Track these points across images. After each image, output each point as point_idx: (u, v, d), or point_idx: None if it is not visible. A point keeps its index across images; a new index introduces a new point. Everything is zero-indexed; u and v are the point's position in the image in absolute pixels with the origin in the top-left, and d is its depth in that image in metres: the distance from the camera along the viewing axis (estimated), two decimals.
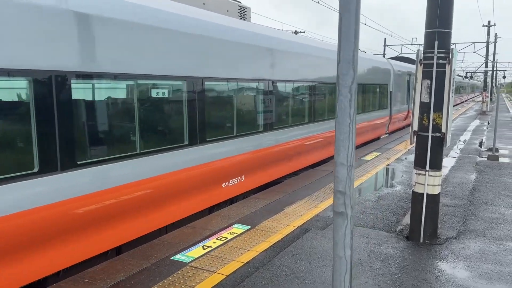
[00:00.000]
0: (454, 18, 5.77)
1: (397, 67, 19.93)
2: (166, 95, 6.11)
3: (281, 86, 9.26)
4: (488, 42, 33.72)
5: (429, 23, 5.72)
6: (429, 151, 5.82)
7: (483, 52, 35.28)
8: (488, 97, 33.71)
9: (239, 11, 8.66)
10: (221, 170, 7.31)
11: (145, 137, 5.72)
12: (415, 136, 6.03)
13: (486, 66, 34.34)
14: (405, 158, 12.46)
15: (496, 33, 43.57)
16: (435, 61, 5.66)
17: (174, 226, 6.73)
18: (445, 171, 10.78)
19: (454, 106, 45.06)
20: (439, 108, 5.74)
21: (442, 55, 5.65)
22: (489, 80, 45.56)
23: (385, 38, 46.05)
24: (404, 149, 14.30)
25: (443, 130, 5.77)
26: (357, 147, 15.34)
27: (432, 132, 5.79)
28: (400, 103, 20.73)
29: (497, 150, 13.63)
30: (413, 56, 48.29)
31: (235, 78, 7.68)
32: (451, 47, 5.67)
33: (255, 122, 8.34)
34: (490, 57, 43.05)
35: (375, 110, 16.54)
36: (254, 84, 8.33)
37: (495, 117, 12.91)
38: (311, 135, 10.79)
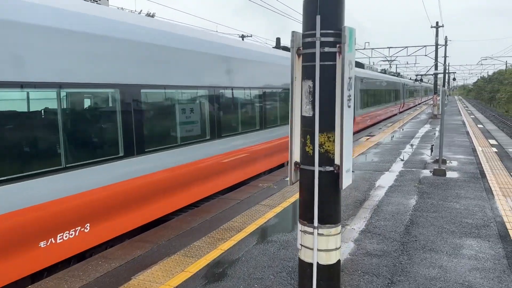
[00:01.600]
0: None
1: None
2: None
3: (155, 92, 6.89)
4: (437, 44, 32.81)
5: None
6: (317, 196, 3.59)
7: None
8: (439, 100, 32.76)
9: None
10: (30, 223, 4.83)
11: None
12: (297, 171, 3.79)
13: (436, 69, 33.44)
14: None
15: (446, 36, 43.29)
16: (317, 49, 3.44)
17: None
18: (380, 193, 8.73)
19: (407, 110, 44.20)
20: (328, 126, 3.53)
21: (330, 39, 3.45)
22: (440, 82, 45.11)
23: None
24: None
25: (337, 161, 3.55)
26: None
27: (319, 165, 3.56)
28: None
29: (444, 161, 11.82)
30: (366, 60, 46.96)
31: (82, 84, 5.28)
32: (344, 25, 3.48)
33: (107, 144, 5.91)
34: (442, 60, 42.63)
35: None
36: (111, 91, 5.96)
37: (441, 124, 11.09)
38: (215, 154, 8.46)
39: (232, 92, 9.13)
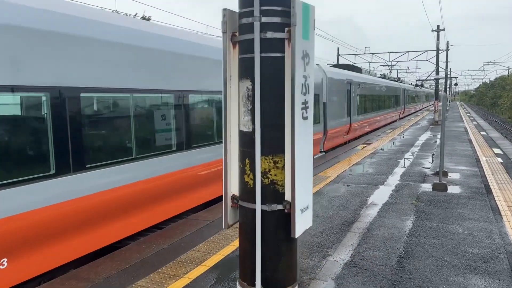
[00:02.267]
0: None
1: (332, 74, 17.04)
2: None
3: (99, 97, 5.84)
4: (438, 48, 31.76)
5: None
6: (259, 246, 2.50)
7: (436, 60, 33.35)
8: (440, 106, 31.65)
9: None
10: None
11: None
12: (236, 209, 2.71)
13: (437, 74, 32.37)
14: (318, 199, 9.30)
15: (447, 41, 42.30)
16: (257, 34, 2.37)
17: None
18: (372, 213, 7.63)
19: (407, 116, 43.01)
20: (275, 146, 2.45)
21: (276, 19, 2.37)
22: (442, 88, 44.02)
23: (338, 48, 44.09)
24: (330, 175, 11.15)
25: (288, 196, 2.47)
26: None
27: (263, 202, 2.47)
28: (339, 116, 17.84)
29: (445, 174, 10.72)
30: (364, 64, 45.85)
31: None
32: (296, 1, 2.40)
33: (29, 161, 4.85)
34: (443, 65, 41.56)
35: None
36: (38, 94, 4.92)
37: (441, 134, 10.00)
38: (181, 168, 7.39)
39: (201, 97, 8.06)
